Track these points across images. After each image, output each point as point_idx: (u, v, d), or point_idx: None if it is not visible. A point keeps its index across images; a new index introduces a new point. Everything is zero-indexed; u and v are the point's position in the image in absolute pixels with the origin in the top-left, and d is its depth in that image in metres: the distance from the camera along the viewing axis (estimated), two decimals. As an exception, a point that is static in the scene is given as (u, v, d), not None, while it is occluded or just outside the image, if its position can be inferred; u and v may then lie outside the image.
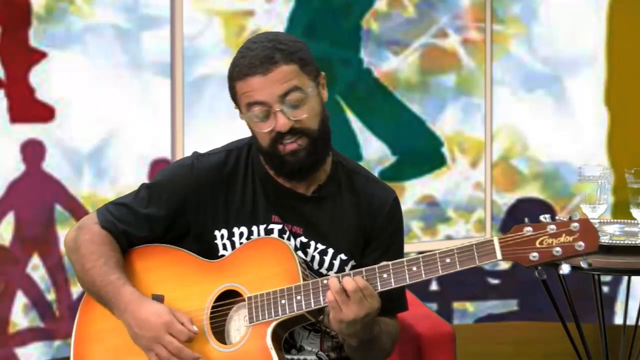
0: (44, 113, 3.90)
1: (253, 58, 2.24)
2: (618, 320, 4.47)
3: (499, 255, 2.09)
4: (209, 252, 2.35)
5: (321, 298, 2.18)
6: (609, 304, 4.45)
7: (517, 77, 4.50)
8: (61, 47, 3.90)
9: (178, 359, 2.21)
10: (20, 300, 3.89)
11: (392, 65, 4.37)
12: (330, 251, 2.34)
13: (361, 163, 2.52)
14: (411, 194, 4.41)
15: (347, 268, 2.34)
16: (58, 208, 3.93)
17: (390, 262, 2.16)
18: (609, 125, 4.51)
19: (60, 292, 3.93)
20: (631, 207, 3.10)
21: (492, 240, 2.10)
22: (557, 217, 2.10)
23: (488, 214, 4.50)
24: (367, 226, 2.36)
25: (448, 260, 2.12)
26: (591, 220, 2.09)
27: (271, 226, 2.34)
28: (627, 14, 4.47)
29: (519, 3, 4.47)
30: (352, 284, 2.14)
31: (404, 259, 2.17)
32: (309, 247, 2.34)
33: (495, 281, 4.53)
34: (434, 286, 4.44)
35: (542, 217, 2.09)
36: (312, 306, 2.20)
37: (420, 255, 2.15)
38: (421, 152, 4.45)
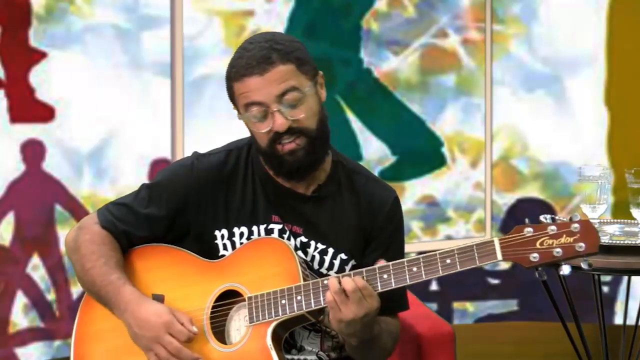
0: (44, 113, 3.90)
1: (250, 58, 2.24)
2: (618, 320, 4.47)
3: (499, 256, 2.09)
4: (209, 252, 2.35)
5: (321, 298, 2.18)
6: (609, 304, 4.45)
7: (517, 77, 4.50)
8: (61, 47, 3.90)
9: (177, 359, 2.21)
10: (20, 300, 3.89)
11: (392, 65, 4.37)
12: (331, 251, 2.34)
13: (361, 163, 2.52)
14: (411, 194, 4.41)
15: (348, 268, 2.34)
16: (58, 208, 3.93)
17: (390, 263, 2.17)
18: (609, 125, 4.51)
19: (60, 292, 3.93)
20: (631, 207, 3.10)
21: (492, 241, 2.10)
22: (557, 218, 2.10)
23: (488, 214, 4.51)
24: (367, 226, 2.36)
25: (448, 260, 2.13)
26: (591, 220, 2.09)
27: (271, 226, 2.34)
28: (627, 14, 4.47)
29: (519, 3, 4.47)
30: (351, 284, 2.14)
31: (404, 260, 2.17)
32: (309, 247, 2.34)
33: (495, 281, 4.53)
34: (434, 286, 4.44)
35: (542, 218, 2.09)
36: (312, 306, 2.20)
37: (421, 255, 2.15)
38: (421, 152, 4.45)
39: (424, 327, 2.73)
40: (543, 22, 4.48)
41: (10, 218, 3.88)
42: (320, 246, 2.34)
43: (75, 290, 3.92)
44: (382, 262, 2.18)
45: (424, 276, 2.14)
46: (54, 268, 3.92)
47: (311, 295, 2.20)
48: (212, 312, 2.28)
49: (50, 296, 3.93)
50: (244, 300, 2.26)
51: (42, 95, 3.89)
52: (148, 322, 2.23)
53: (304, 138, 2.26)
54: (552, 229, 2.07)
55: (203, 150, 2.43)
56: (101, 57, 3.95)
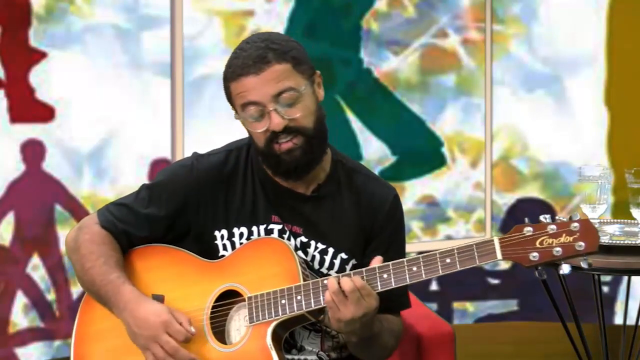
0: (44, 113, 3.90)
1: (246, 58, 2.24)
2: (618, 320, 4.47)
3: (499, 255, 2.10)
4: (209, 252, 2.35)
5: (321, 298, 2.19)
6: (609, 304, 4.45)
7: (517, 77, 4.50)
8: (61, 47, 3.90)
9: (174, 359, 2.21)
10: (20, 300, 3.89)
11: (392, 65, 4.37)
12: (331, 250, 2.34)
13: (361, 163, 2.52)
14: (411, 194, 4.41)
15: (348, 267, 2.34)
16: (58, 208, 3.93)
17: (390, 262, 2.17)
18: (609, 125, 4.51)
19: (60, 292, 3.93)
20: (631, 207, 3.10)
21: (492, 240, 2.10)
22: (557, 217, 2.10)
23: (488, 214, 4.51)
24: (367, 225, 2.36)
25: (448, 260, 2.13)
26: (591, 220, 2.09)
27: (271, 226, 2.35)
28: (627, 14, 4.47)
29: (519, 3, 4.47)
30: (350, 284, 2.14)
31: (404, 259, 2.17)
32: (309, 247, 2.34)
33: (495, 281, 4.53)
34: (434, 286, 4.44)
35: (542, 217, 2.09)
36: (312, 306, 2.20)
37: (421, 255, 2.15)
38: (421, 152, 4.45)
39: (424, 327, 2.73)
40: (543, 22, 4.48)
41: (10, 218, 3.88)
42: (321, 246, 2.34)
43: (75, 290, 3.92)
44: (378, 259, 2.18)
45: (423, 276, 2.14)
46: (54, 268, 3.92)
47: (311, 295, 2.20)
48: (212, 312, 2.28)
49: (50, 296, 3.93)
50: (244, 300, 2.26)
51: (42, 95, 3.89)
52: (146, 322, 2.23)
53: (301, 137, 2.26)
54: (552, 228, 2.07)
55: (203, 150, 2.43)
56: (101, 57, 3.95)
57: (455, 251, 2.12)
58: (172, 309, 2.25)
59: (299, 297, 2.20)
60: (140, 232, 2.36)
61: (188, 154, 2.44)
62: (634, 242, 2.95)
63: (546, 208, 4.49)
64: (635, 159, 3.73)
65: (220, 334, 2.28)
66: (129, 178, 3.95)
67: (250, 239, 2.33)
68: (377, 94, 4.36)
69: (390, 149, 4.38)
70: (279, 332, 2.25)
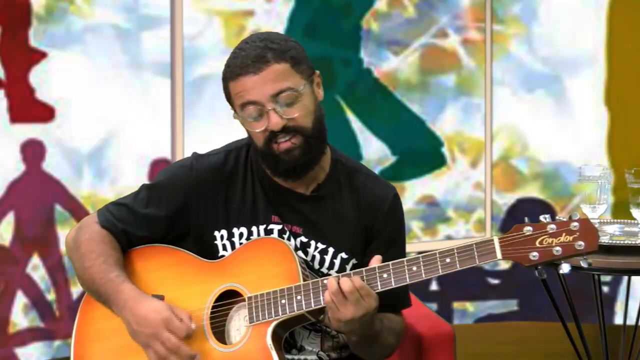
0: (44, 113, 3.90)
1: (245, 58, 2.24)
2: (618, 320, 4.47)
3: (499, 255, 2.10)
4: (209, 252, 2.35)
5: (321, 298, 2.19)
6: (609, 304, 4.45)
7: (517, 77, 4.50)
8: (61, 47, 3.90)
9: (175, 356, 2.21)
10: (20, 300, 3.89)
11: (392, 65, 4.37)
12: (331, 250, 2.34)
13: (361, 162, 2.52)
14: (411, 194, 4.41)
15: (348, 267, 2.34)
16: (58, 208, 3.93)
17: (390, 262, 2.17)
18: (609, 125, 4.51)
19: (60, 292, 3.93)
20: (631, 207, 3.10)
21: (492, 240, 2.10)
22: (557, 217, 2.10)
23: (488, 214, 4.51)
24: (367, 224, 2.36)
25: (448, 259, 2.13)
26: (591, 220, 2.09)
27: (271, 226, 2.35)
28: (627, 14, 4.47)
29: (519, 3, 4.47)
30: (349, 285, 2.14)
31: (404, 259, 2.17)
32: (309, 247, 2.34)
33: (495, 281, 4.53)
34: (434, 286, 4.44)
35: (542, 217, 2.09)
36: (312, 306, 2.20)
37: (421, 255, 2.15)
38: (421, 152, 4.45)
39: (424, 327, 2.73)
40: (543, 22, 4.48)
41: (10, 218, 3.88)
42: (321, 246, 2.34)
43: (75, 290, 3.92)
44: (377, 259, 2.18)
45: (423, 275, 2.14)
46: (54, 268, 3.92)
47: (311, 295, 2.20)
48: (212, 312, 2.28)
49: (50, 296, 3.93)
50: (243, 300, 2.26)
51: (42, 95, 3.89)
52: (147, 319, 2.23)
53: (300, 137, 2.26)
54: (552, 227, 2.07)
55: (203, 150, 2.43)
56: (101, 57, 3.95)
57: (455, 251, 2.12)
58: (172, 306, 2.25)
59: (299, 297, 2.20)
60: (139, 232, 2.36)
61: (188, 154, 2.44)
62: (634, 242, 2.95)
63: (546, 208, 4.49)
64: (635, 159, 3.73)
65: (220, 334, 2.28)
66: (129, 178, 3.95)
67: (250, 239, 2.33)
68: (377, 94, 4.36)
69: (390, 149, 4.38)
70: (279, 332, 2.25)
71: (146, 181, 2.45)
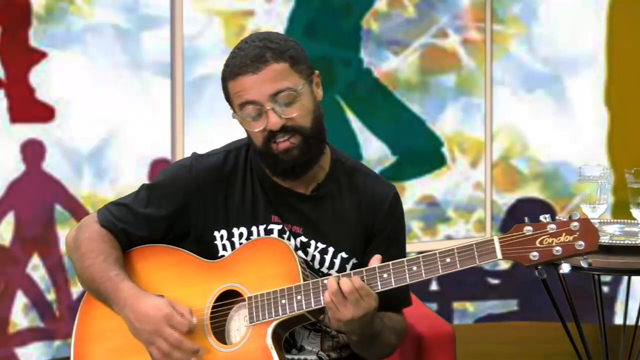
0: (44, 113, 3.90)
1: (244, 57, 2.24)
2: (618, 320, 4.47)
3: (499, 255, 2.10)
4: (209, 252, 2.35)
5: (321, 298, 2.19)
6: (609, 304, 4.45)
7: (517, 77, 4.50)
8: (61, 47, 3.90)
9: (179, 351, 2.21)
10: (20, 300, 3.89)
11: (392, 65, 4.37)
12: (331, 250, 2.34)
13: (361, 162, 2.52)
14: (411, 194, 4.41)
15: (348, 266, 2.34)
16: (58, 208, 3.93)
17: (390, 262, 2.17)
18: (609, 125, 4.51)
19: (60, 292, 3.93)
20: (631, 207, 3.10)
21: (492, 240, 2.10)
22: (557, 217, 2.10)
23: (488, 214, 4.51)
24: (368, 223, 2.36)
25: (448, 259, 2.13)
26: (591, 220, 2.09)
27: (271, 226, 2.35)
28: (627, 14, 4.47)
29: (519, 3, 4.47)
30: (349, 285, 2.14)
31: (404, 259, 2.17)
32: (309, 247, 2.34)
33: (495, 281, 4.53)
34: (434, 286, 4.44)
35: (542, 217, 2.09)
36: (313, 306, 2.20)
37: (421, 255, 2.15)
38: (421, 152, 4.45)
39: (424, 327, 2.73)
40: (543, 22, 4.48)
41: (10, 218, 3.88)
42: (321, 245, 2.34)
43: (75, 290, 3.92)
44: (377, 258, 2.18)
45: (423, 275, 2.14)
46: (54, 268, 3.92)
47: (311, 294, 2.20)
48: (212, 312, 2.28)
49: (50, 296, 3.93)
50: (244, 300, 2.26)
51: (42, 95, 3.89)
52: (148, 316, 2.23)
53: (299, 137, 2.26)
54: (552, 227, 2.07)
55: (203, 150, 2.43)
56: (101, 57, 3.95)
57: (455, 251, 2.12)
58: (172, 302, 2.25)
59: (299, 297, 2.20)
60: (139, 231, 2.36)
61: (188, 154, 2.44)
62: (634, 242, 2.95)
63: (546, 208, 4.49)
64: (635, 159, 3.73)
65: (221, 334, 2.28)
66: (129, 178, 3.95)
67: (250, 239, 2.33)
68: (377, 94, 4.36)
69: (390, 149, 4.38)
70: (279, 332, 2.25)
71: (146, 181, 2.45)
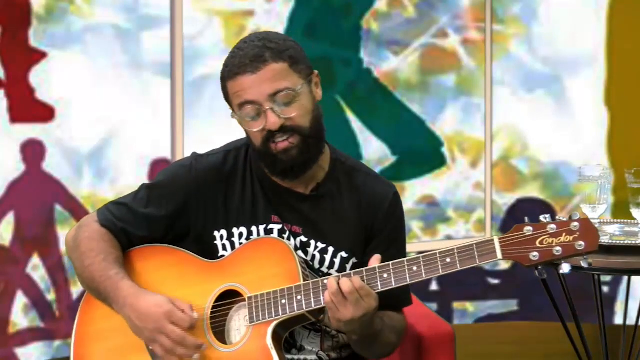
0: (44, 113, 3.90)
1: (243, 57, 2.24)
2: (618, 320, 4.47)
3: (499, 255, 2.10)
4: (209, 252, 2.35)
5: (321, 298, 2.19)
6: (609, 304, 4.45)
7: (517, 77, 4.50)
8: (61, 47, 3.90)
9: (182, 347, 2.21)
10: (20, 300, 3.89)
11: (392, 65, 4.37)
12: (331, 249, 2.34)
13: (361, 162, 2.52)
14: (411, 194, 4.41)
15: (348, 266, 2.34)
16: (58, 208, 3.93)
17: (390, 262, 2.17)
18: (609, 125, 4.51)
19: (60, 292, 3.93)
20: (631, 207, 3.10)
21: (492, 240, 2.10)
22: (557, 217, 2.10)
23: (488, 214, 4.51)
24: (368, 223, 2.36)
25: (448, 259, 2.13)
26: (591, 220, 2.09)
27: (271, 226, 2.35)
28: (627, 14, 4.47)
29: (519, 3, 4.47)
30: (349, 285, 2.14)
31: (405, 259, 2.17)
32: (309, 247, 2.34)
33: (495, 281, 4.53)
34: (434, 286, 4.44)
35: (542, 217, 2.09)
36: (313, 306, 2.20)
37: (421, 255, 2.15)
38: (421, 152, 4.45)
39: (424, 327, 2.73)
40: (543, 22, 4.48)
41: (10, 218, 3.88)
42: (320, 245, 2.34)
43: (75, 290, 3.92)
44: (377, 258, 2.18)
45: (424, 275, 2.14)
46: (54, 268, 3.92)
47: (311, 294, 2.20)
48: (212, 312, 2.28)
49: (50, 296, 3.93)
50: (244, 300, 2.26)
51: (42, 95, 3.89)
52: (149, 314, 2.23)
53: (298, 136, 2.26)
54: (552, 227, 2.07)
55: (203, 150, 2.43)
56: (101, 57, 3.95)
57: (456, 251, 2.12)
58: (172, 298, 2.25)
59: (299, 297, 2.20)
60: (139, 231, 2.36)
61: (188, 154, 2.44)
62: (634, 242, 2.95)
63: (546, 208, 4.49)
64: (635, 159, 3.73)
65: (221, 334, 2.28)
66: (129, 178, 3.95)
67: (250, 239, 2.33)
68: (377, 94, 4.36)
69: (390, 149, 4.38)
70: (279, 332, 2.25)
71: (146, 181, 2.45)
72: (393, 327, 2.35)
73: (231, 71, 2.26)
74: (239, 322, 2.28)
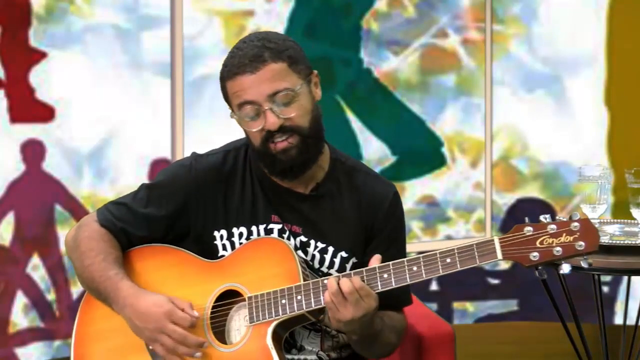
0: (44, 113, 3.90)
1: (242, 57, 2.24)
2: (618, 320, 4.47)
3: (499, 255, 2.10)
4: (209, 252, 2.35)
5: (321, 298, 2.19)
6: (609, 304, 4.45)
7: (517, 77, 4.50)
8: (61, 47, 3.90)
9: (183, 345, 2.21)
10: (20, 300, 3.89)
11: (392, 65, 4.37)
12: (330, 249, 2.34)
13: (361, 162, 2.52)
14: (411, 194, 4.41)
15: (348, 266, 2.34)
16: (58, 208, 3.93)
17: (390, 262, 2.17)
18: (609, 125, 4.51)
19: (60, 292, 3.93)
20: (631, 207, 3.10)
21: (492, 240, 2.10)
22: (557, 217, 2.10)
23: (488, 214, 4.51)
24: (367, 223, 2.36)
25: (448, 260, 2.13)
26: (591, 220, 2.09)
27: (271, 226, 2.35)
28: (627, 14, 4.47)
29: (519, 3, 4.47)
30: (349, 285, 2.14)
31: (405, 259, 2.17)
32: (308, 246, 2.34)
33: (495, 281, 4.53)
34: (434, 286, 4.44)
35: (542, 217, 2.09)
36: (313, 306, 2.20)
37: (421, 255, 2.15)
38: (421, 152, 4.45)
39: (424, 327, 2.73)
40: (543, 22, 4.48)
41: (10, 218, 3.88)
42: (320, 245, 2.34)
43: (75, 290, 3.92)
44: (377, 258, 2.18)
45: (424, 275, 2.14)
46: (54, 268, 3.92)
47: (311, 294, 2.20)
48: (212, 312, 2.28)
49: (50, 296, 3.93)
50: (244, 300, 2.26)
51: (42, 95, 3.89)
52: (149, 314, 2.23)
53: (297, 136, 2.26)
54: (552, 227, 2.07)
55: (203, 150, 2.43)
56: (101, 57, 3.95)
57: (456, 251, 2.12)
58: (172, 297, 2.25)
59: (299, 297, 2.20)
60: (138, 231, 2.36)
61: (188, 154, 2.44)
62: (634, 242, 2.95)
63: (546, 208, 4.49)
64: (635, 159, 3.73)
65: (221, 334, 2.28)
66: (129, 178, 3.95)
67: (250, 238, 2.33)
68: (377, 94, 4.36)
69: (390, 149, 4.38)
70: (279, 332, 2.25)
71: (146, 181, 2.45)
72: (393, 327, 2.35)
73: (230, 71, 2.26)
74: (239, 322, 2.28)
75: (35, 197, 3.90)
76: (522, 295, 4.52)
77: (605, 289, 4.46)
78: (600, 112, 4.51)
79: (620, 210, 3.77)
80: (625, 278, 3.76)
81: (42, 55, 3.88)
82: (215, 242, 2.35)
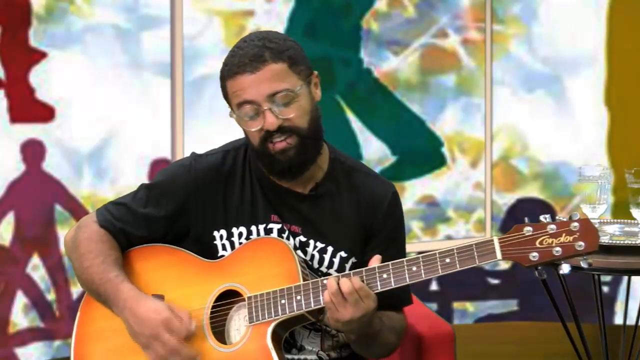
0: (44, 113, 3.90)
1: (243, 57, 2.24)
2: (618, 320, 4.47)
3: (499, 255, 2.10)
4: (209, 252, 2.35)
5: (321, 298, 2.19)
6: (609, 304, 4.45)
7: (517, 77, 4.50)
8: (61, 47, 3.90)
9: (176, 357, 2.21)
10: (20, 300, 3.89)
11: (392, 65, 4.37)
12: (330, 249, 2.34)
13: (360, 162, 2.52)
14: (411, 194, 4.41)
15: (348, 265, 2.34)
16: (58, 208, 3.93)
17: (390, 262, 2.17)
18: (609, 125, 4.51)
19: (60, 292, 3.93)
20: (631, 207, 3.10)
21: (492, 240, 2.10)
22: (557, 217, 2.10)
23: (488, 214, 4.50)
24: (367, 222, 2.36)
25: (448, 260, 2.13)
26: (591, 220, 2.09)
27: (270, 226, 2.35)
28: (627, 14, 4.47)
29: (519, 3, 4.47)
30: (348, 286, 2.14)
31: (404, 259, 2.17)
32: (308, 246, 2.34)
33: (495, 281, 4.53)
34: (434, 286, 4.44)
35: (542, 217, 2.09)
36: (312, 306, 2.20)
37: (420, 255, 2.15)
38: (421, 152, 4.45)
39: (424, 327, 2.73)
40: (543, 22, 4.48)
41: (10, 218, 3.88)
42: (319, 245, 2.34)
43: (75, 290, 3.92)
44: (377, 258, 2.18)
45: (423, 275, 2.14)
46: (54, 268, 3.92)
47: (311, 294, 2.20)
48: (211, 312, 2.28)
49: (50, 296, 3.93)
50: (243, 300, 2.26)
51: (42, 95, 3.89)
52: (146, 320, 2.22)
53: (295, 137, 2.26)
54: (552, 228, 2.07)
55: (202, 150, 2.43)
56: (101, 57, 3.95)
57: (455, 251, 2.12)
58: (171, 306, 2.25)
59: (298, 297, 2.20)
60: (138, 231, 2.36)
61: (188, 154, 2.44)
62: (634, 242, 2.95)
63: (546, 208, 4.49)
64: (635, 159, 3.73)
65: (220, 334, 2.28)
66: (129, 178, 3.95)
67: (250, 238, 2.33)
68: (377, 94, 4.36)
69: (390, 149, 4.38)
70: (279, 332, 2.25)
71: (146, 181, 2.45)
72: (392, 327, 2.35)
73: (230, 70, 2.26)
74: (238, 322, 2.28)
75: (35, 197, 3.90)
76: (522, 295, 4.52)
77: (605, 289, 4.46)
78: (600, 112, 4.51)
79: (620, 210, 3.77)
80: (625, 278, 3.76)
81: (42, 55, 3.88)
82: (214, 242, 2.35)
